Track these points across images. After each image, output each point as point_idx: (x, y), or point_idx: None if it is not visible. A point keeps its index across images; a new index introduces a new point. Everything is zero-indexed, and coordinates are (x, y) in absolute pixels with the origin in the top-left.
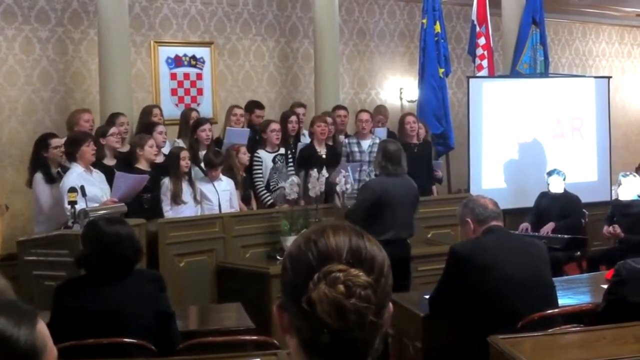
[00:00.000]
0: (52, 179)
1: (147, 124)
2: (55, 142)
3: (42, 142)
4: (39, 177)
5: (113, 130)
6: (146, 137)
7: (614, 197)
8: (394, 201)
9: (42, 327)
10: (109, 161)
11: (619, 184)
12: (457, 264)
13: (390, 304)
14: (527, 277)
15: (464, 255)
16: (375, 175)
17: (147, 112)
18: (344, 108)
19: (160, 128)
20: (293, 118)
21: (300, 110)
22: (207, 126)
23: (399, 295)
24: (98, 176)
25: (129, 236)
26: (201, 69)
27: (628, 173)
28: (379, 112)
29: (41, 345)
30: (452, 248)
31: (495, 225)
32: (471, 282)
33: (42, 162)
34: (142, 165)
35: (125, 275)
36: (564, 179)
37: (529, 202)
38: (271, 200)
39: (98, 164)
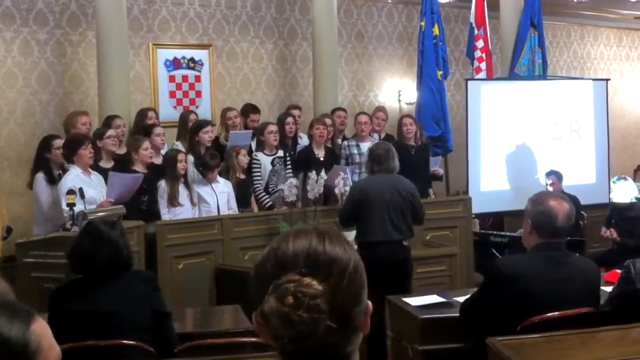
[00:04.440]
0: (53, 180)
1: (144, 127)
2: (57, 142)
3: (45, 143)
4: (40, 176)
5: (110, 132)
6: (141, 139)
7: (612, 199)
8: (374, 201)
9: (38, 326)
10: (106, 164)
11: (611, 191)
12: (494, 281)
13: (369, 303)
14: (567, 304)
15: (504, 274)
16: None
17: (142, 114)
18: (343, 109)
19: (158, 130)
20: (289, 120)
21: (295, 112)
22: (209, 128)
23: (398, 297)
24: (96, 178)
25: (98, 237)
26: (199, 72)
27: (618, 178)
28: (380, 111)
29: (35, 345)
30: (495, 263)
31: (553, 242)
32: (507, 304)
33: (44, 162)
34: (138, 167)
35: (119, 277)
36: (562, 180)
37: None
38: (270, 203)
39: (95, 167)
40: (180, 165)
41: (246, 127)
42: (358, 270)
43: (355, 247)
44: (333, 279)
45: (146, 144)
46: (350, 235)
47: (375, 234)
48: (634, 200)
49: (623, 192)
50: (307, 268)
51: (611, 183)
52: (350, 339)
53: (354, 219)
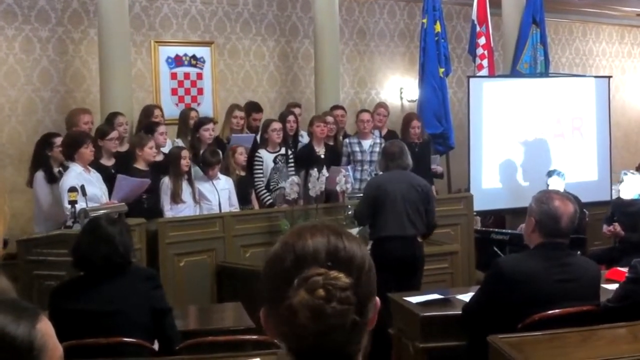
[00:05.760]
0: (54, 178)
1: (148, 124)
2: (59, 140)
3: (46, 141)
4: (40, 175)
5: (113, 134)
6: (147, 137)
7: (614, 197)
8: (391, 196)
9: (43, 326)
10: (107, 161)
11: (621, 181)
12: (497, 281)
13: (377, 300)
14: (568, 303)
15: (507, 274)
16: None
17: (148, 111)
18: (341, 108)
19: (162, 128)
20: (291, 117)
21: (296, 110)
22: (210, 126)
23: (399, 294)
24: (96, 175)
25: (96, 234)
26: (201, 69)
27: (631, 171)
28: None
29: (41, 344)
30: (497, 262)
31: (556, 242)
32: (509, 303)
33: (45, 160)
34: (141, 165)
35: (119, 275)
36: (564, 180)
37: (529, 202)
38: (271, 200)
39: (95, 164)
40: (183, 162)
41: (249, 126)
42: (372, 267)
43: (369, 244)
44: (354, 273)
45: (151, 142)
46: (353, 232)
47: (392, 229)
48: (636, 197)
49: (631, 187)
50: (330, 262)
51: (622, 175)
52: (364, 334)
53: (371, 216)
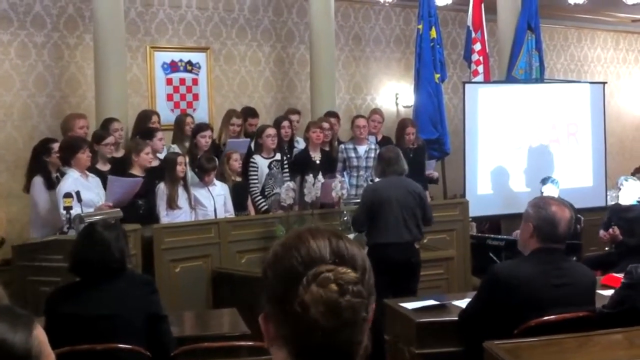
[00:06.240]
0: (52, 184)
1: (145, 130)
2: (56, 146)
3: (44, 147)
4: (38, 181)
5: (109, 140)
6: (143, 143)
7: (612, 202)
8: (387, 202)
9: (39, 333)
10: (103, 166)
11: (620, 187)
12: (493, 286)
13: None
14: (564, 308)
15: (503, 281)
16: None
17: (145, 117)
18: (335, 114)
19: (160, 135)
20: (285, 123)
21: (294, 117)
22: (207, 132)
23: (395, 300)
24: (94, 181)
25: (90, 239)
26: (197, 74)
27: (629, 177)
28: (375, 114)
29: (37, 351)
30: (493, 269)
31: (553, 247)
32: (506, 309)
33: (43, 166)
34: (136, 170)
35: (116, 279)
36: (558, 187)
37: (524, 208)
38: (266, 206)
39: (92, 169)
40: (179, 168)
41: (245, 131)
42: (371, 267)
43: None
44: (359, 271)
45: (148, 148)
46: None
47: (388, 235)
48: (635, 202)
49: (630, 192)
50: (336, 260)
51: (621, 180)
52: (366, 333)
53: (369, 222)
